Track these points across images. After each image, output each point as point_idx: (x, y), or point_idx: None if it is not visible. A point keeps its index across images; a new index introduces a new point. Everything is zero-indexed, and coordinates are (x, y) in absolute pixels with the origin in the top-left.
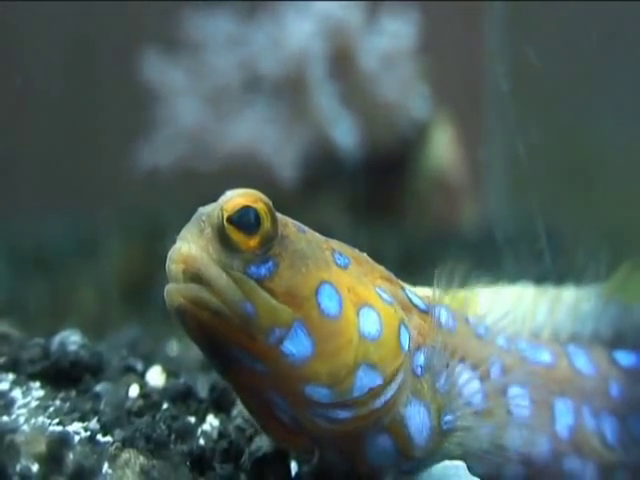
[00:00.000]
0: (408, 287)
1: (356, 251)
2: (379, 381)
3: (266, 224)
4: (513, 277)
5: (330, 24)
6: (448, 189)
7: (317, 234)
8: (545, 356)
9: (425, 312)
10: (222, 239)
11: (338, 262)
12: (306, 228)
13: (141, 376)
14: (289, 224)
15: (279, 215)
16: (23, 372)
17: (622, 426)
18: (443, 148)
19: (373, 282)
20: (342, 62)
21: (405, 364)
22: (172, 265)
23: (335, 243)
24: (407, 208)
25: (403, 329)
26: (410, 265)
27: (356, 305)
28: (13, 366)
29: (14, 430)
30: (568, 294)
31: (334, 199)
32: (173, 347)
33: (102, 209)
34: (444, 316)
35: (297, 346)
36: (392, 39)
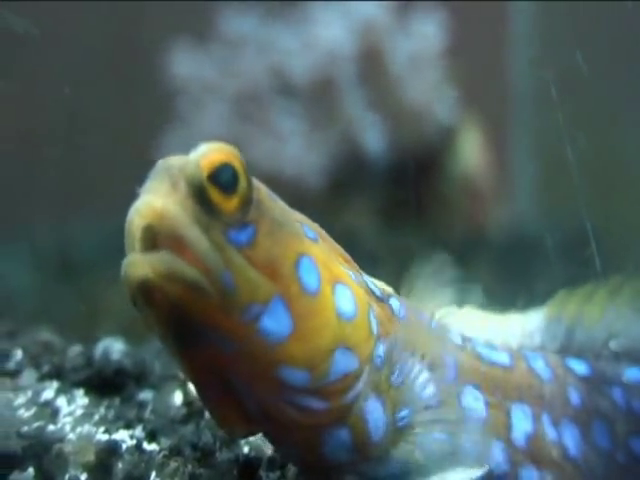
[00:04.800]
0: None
1: (316, 225)
2: (355, 365)
3: (243, 183)
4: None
5: (359, 25)
6: (476, 193)
7: (283, 203)
8: (502, 357)
9: (380, 300)
10: (200, 198)
11: (308, 235)
12: (275, 195)
13: (184, 383)
14: (261, 188)
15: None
16: (67, 380)
17: (584, 436)
18: (471, 152)
19: (337, 260)
20: (371, 64)
21: (373, 351)
22: (138, 220)
23: (298, 215)
24: (436, 212)
25: (372, 312)
26: None
27: (330, 282)
28: (57, 374)
29: (61, 439)
30: (515, 316)
31: (362, 204)
32: None
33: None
34: (396, 306)
35: (275, 323)
36: (421, 41)
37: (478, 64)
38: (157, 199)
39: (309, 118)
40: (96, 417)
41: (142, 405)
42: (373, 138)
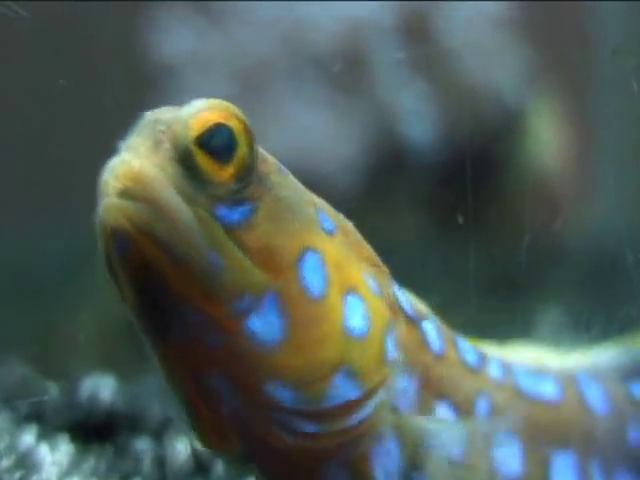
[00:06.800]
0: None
1: (341, 217)
2: (356, 394)
3: (243, 148)
4: None
5: None
6: (550, 193)
7: (298, 182)
8: (549, 388)
9: (412, 321)
10: (186, 164)
11: (324, 225)
12: (287, 170)
13: (189, 428)
14: (269, 160)
15: None
16: (49, 424)
17: None
18: (545, 141)
19: (359, 263)
20: (414, 36)
21: (387, 382)
22: (112, 181)
23: (317, 199)
24: (499, 217)
25: (390, 333)
26: (502, 288)
27: (342, 288)
28: (36, 416)
29: None
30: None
31: (404, 208)
32: None
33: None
34: (432, 334)
35: (264, 325)
36: (478, 6)
37: (552, 33)
38: (135, 158)
39: (336, 102)
40: (85, 468)
41: (140, 454)
42: (417, 126)
